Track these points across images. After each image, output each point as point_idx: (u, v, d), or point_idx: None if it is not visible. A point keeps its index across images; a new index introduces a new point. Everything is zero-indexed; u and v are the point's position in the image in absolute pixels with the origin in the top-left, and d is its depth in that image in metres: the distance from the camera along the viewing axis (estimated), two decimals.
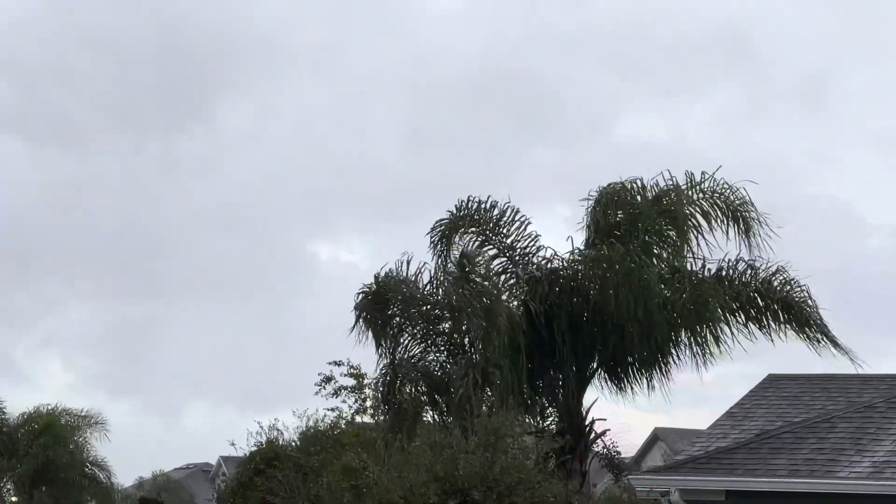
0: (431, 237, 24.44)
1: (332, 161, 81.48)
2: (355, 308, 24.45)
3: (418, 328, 24.64)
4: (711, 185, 23.86)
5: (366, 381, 28.79)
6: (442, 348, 24.55)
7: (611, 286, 22.76)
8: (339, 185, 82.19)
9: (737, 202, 23.56)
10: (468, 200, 24.56)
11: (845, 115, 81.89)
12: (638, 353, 23.59)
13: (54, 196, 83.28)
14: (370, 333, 24.37)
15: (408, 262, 24.43)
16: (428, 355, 24.57)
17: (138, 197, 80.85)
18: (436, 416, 23.85)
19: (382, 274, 24.42)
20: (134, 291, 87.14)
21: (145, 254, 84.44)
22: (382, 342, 24.34)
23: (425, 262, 24.43)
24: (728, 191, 23.68)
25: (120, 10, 73.05)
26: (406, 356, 24.41)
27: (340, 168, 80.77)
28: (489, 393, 22.16)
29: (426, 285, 24.45)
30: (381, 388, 24.78)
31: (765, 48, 78.07)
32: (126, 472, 74.21)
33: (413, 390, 24.00)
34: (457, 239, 24.43)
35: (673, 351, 23.61)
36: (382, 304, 24.39)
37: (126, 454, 69.03)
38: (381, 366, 24.41)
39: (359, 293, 24.48)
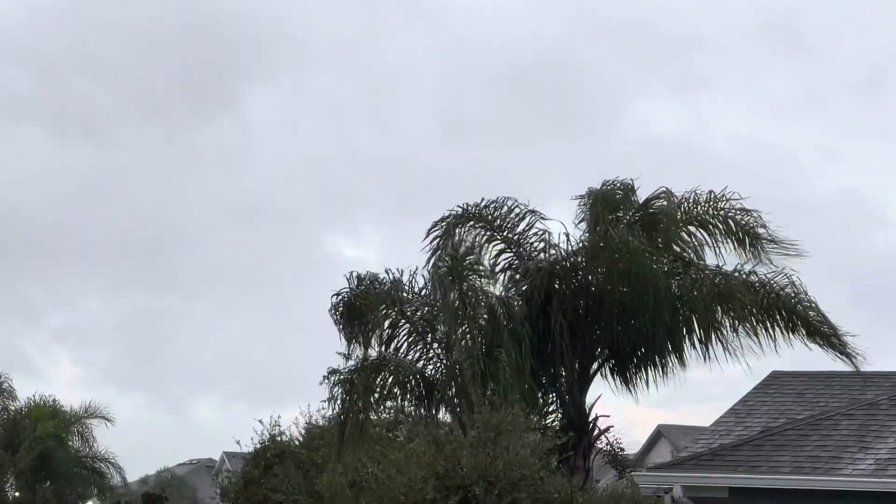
0: (431, 232, 24.02)
1: (356, 154, 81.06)
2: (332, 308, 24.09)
3: (407, 327, 24.29)
4: (724, 204, 23.59)
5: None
6: (435, 347, 24.21)
7: (615, 275, 22.64)
8: (361, 178, 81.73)
9: (746, 224, 23.31)
10: (481, 201, 24.31)
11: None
12: (645, 347, 23.50)
13: (74, 187, 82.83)
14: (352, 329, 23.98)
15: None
16: (419, 354, 24.16)
17: (159, 188, 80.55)
18: (430, 412, 23.49)
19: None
20: (148, 285, 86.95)
21: (162, 246, 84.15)
22: (362, 338, 23.92)
23: (418, 267, 24.07)
24: (739, 214, 23.42)
25: None
26: (394, 351, 23.99)
27: (364, 161, 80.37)
28: (492, 386, 22.02)
29: (422, 288, 24.18)
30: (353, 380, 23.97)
31: (816, 38, 77.43)
32: (133, 467, 74.23)
33: (407, 384, 23.55)
34: (462, 234, 24.13)
35: (683, 346, 23.52)
36: (366, 304, 23.98)
37: (134, 449, 68.96)
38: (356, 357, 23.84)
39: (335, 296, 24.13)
